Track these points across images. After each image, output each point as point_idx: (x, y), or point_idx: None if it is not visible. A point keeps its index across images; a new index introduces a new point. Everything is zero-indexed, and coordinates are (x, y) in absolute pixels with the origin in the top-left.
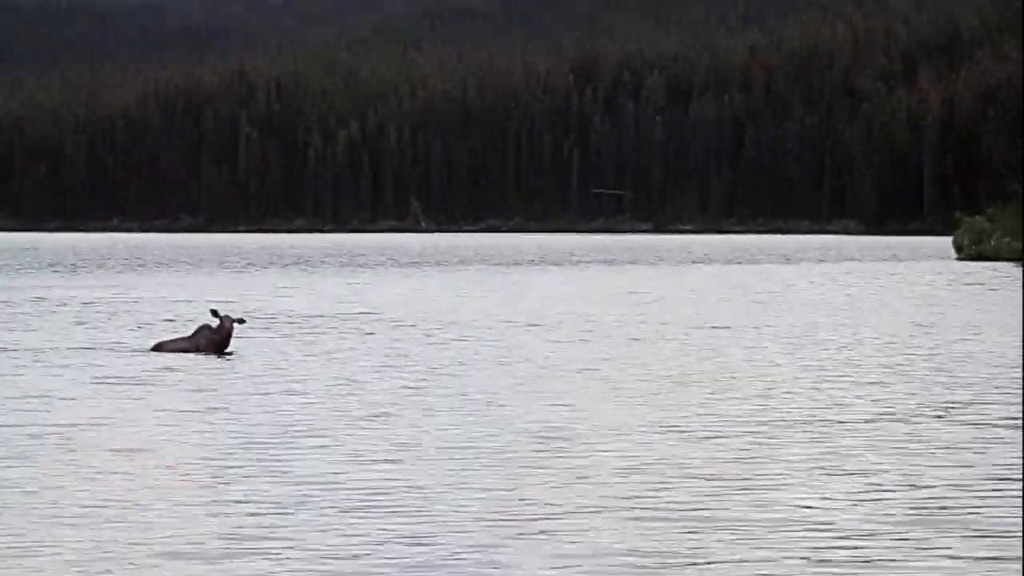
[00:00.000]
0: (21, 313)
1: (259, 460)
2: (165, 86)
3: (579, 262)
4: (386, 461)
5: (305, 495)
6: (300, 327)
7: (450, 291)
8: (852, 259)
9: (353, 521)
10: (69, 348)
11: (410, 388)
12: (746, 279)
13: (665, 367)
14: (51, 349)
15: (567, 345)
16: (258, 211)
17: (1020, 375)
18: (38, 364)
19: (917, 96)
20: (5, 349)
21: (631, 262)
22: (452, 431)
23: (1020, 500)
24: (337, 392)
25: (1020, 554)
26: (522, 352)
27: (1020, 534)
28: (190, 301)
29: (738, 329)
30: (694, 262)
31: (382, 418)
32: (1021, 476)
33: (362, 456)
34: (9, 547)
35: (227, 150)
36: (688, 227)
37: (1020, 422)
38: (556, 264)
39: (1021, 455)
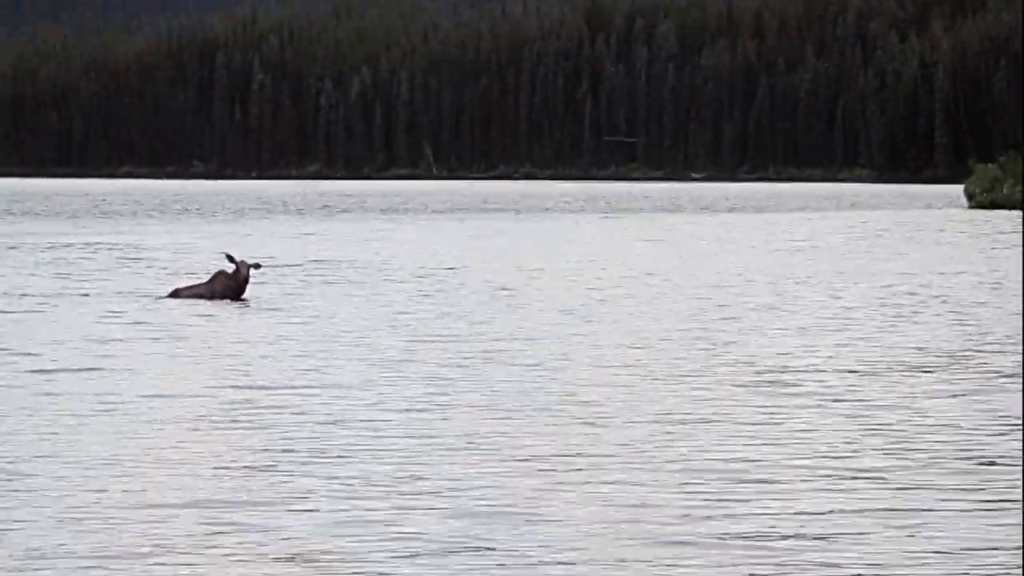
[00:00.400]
0: (33, 259)
1: (273, 408)
2: (176, 32)
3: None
4: (405, 410)
5: (319, 446)
6: (318, 273)
7: (475, 240)
8: (865, 207)
9: (366, 473)
10: (84, 295)
11: (431, 336)
12: (768, 228)
13: (684, 318)
14: (66, 296)
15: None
16: (270, 158)
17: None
18: (52, 311)
19: (929, 43)
20: (18, 295)
21: (661, 210)
22: (470, 381)
23: (1020, 482)
24: (353, 340)
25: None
26: (545, 302)
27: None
28: (199, 249)
29: (761, 282)
30: (715, 210)
31: (399, 367)
32: (1021, 469)
33: (378, 405)
34: (20, 496)
35: (239, 97)
36: (700, 175)
37: (1020, 374)
38: (581, 212)
39: (1021, 440)
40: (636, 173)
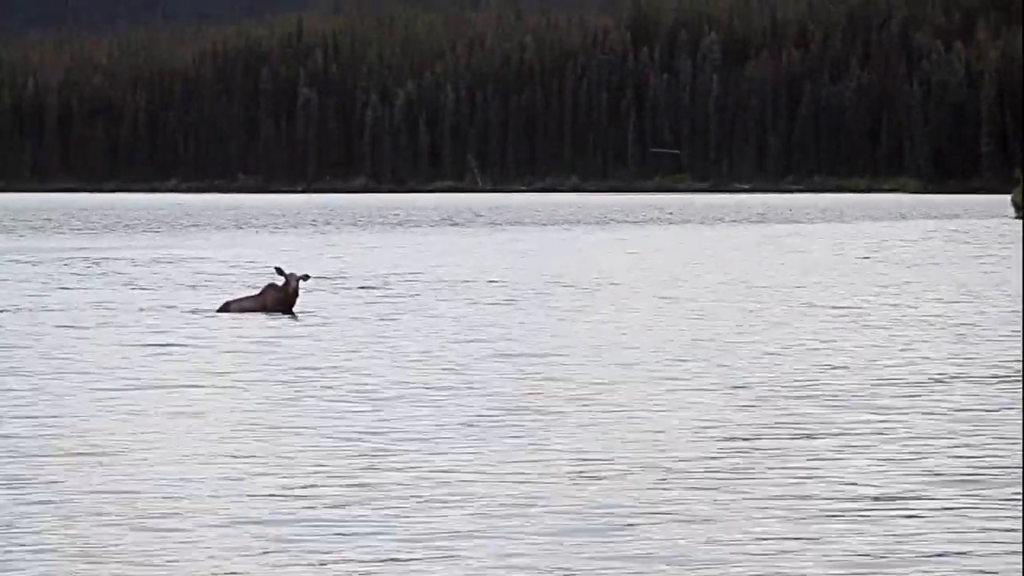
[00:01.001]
0: (84, 275)
1: (327, 423)
2: (223, 45)
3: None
4: (457, 425)
5: (371, 464)
6: (369, 287)
7: (535, 251)
8: (911, 217)
9: (417, 492)
10: (139, 309)
11: (484, 351)
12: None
13: (729, 327)
14: (117, 311)
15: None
16: (316, 171)
17: None
18: (104, 327)
19: (975, 52)
20: (70, 310)
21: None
22: (528, 396)
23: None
24: (406, 353)
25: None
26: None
27: (1021, 528)
28: (249, 262)
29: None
30: (767, 221)
31: (450, 381)
32: (1021, 468)
33: (428, 421)
34: (68, 510)
35: (284, 109)
36: (745, 186)
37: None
38: (637, 223)
39: (1021, 443)
40: (681, 184)
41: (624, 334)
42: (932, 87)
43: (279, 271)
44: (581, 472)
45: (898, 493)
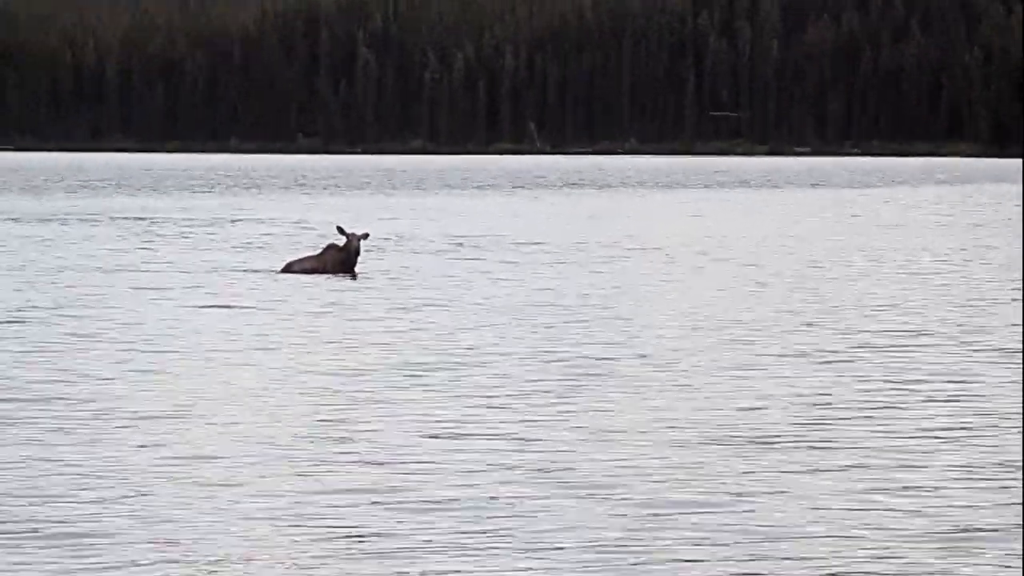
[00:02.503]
0: (145, 234)
1: (384, 390)
2: (282, 6)
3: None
4: (531, 391)
5: (445, 433)
6: (429, 248)
7: (602, 214)
8: (973, 182)
9: (495, 460)
10: (196, 270)
11: (558, 316)
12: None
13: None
14: (177, 272)
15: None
16: (374, 133)
17: None
18: (165, 289)
19: None
20: (132, 271)
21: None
22: (595, 361)
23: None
24: (466, 313)
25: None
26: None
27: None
28: (306, 223)
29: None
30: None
31: (521, 345)
32: (1021, 467)
33: (500, 389)
34: (130, 471)
35: (343, 71)
36: (804, 150)
37: None
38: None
39: (1021, 435)
40: (740, 148)
41: (705, 299)
42: (992, 51)
43: (340, 230)
44: (669, 440)
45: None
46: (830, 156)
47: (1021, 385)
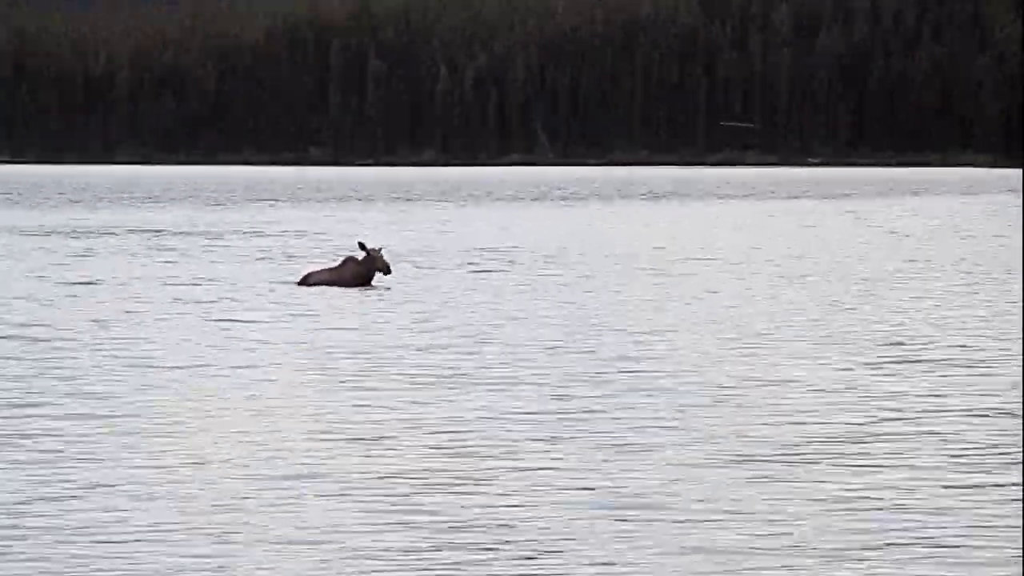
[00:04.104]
0: (160, 248)
1: (400, 403)
2: (293, 18)
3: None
4: (534, 412)
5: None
6: (451, 261)
7: (608, 225)
8: (982, 192)
9: (508, 482)
10: (214, 282)
11: (585, 327)
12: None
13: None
14: (194, 283)
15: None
16: (385, 144)
17: None
18: (180, 301)
19: None
20: (152, 283)
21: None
22: (617, 374)
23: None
24: (490, 327)
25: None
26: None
27: (1021, 528)
28: (328, 234)
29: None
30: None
31: (532, 360)
32: (1021, 466)
33: (518, 401)
34: (142, 486)
35: (354, 82)
36: (815, 160)
37: None
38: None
39: (1021, 437)
40: (750, 158)
41: (734, 307)
42: (1004, 60)
43: (362, 246)
44: (720, 457)
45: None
46: (841, 167)
47: (1021, 384)
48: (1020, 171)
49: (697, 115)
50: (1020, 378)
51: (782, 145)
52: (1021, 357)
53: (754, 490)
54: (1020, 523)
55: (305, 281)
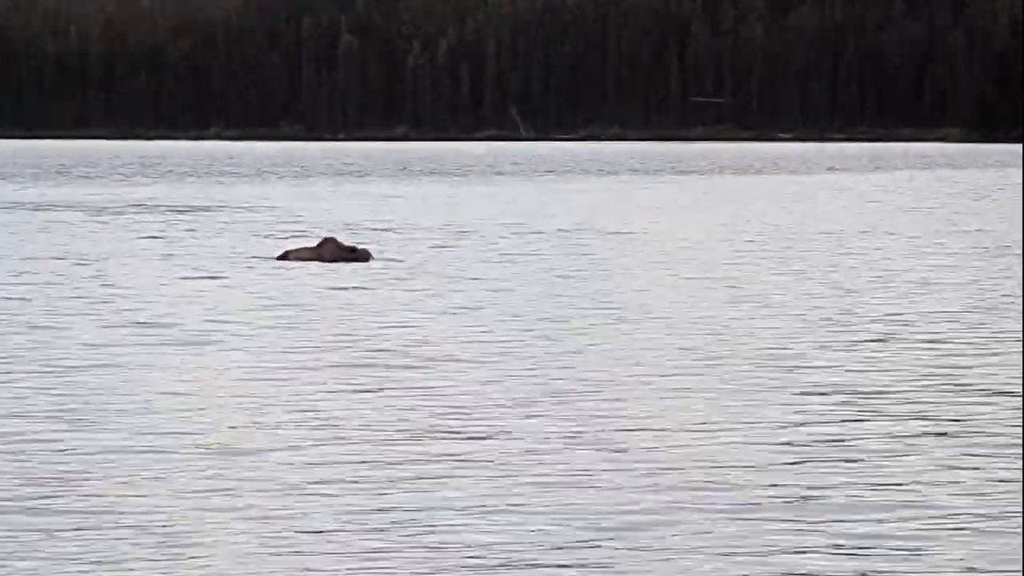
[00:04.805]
0: (137, 223)
1: (393, 378)
2: None
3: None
4: (508, 392)
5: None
6: (435, 237)
7: (598, 200)
8: (954, 167)
9: (498, 460)
10: (192, 256)
11: (554, 310)
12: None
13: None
14: (170, 257)
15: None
16: (357, 120)
17: None
18: (160, 274)
19: (1020, 1)
20: (128, 257)
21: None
22: (606, 352)
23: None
24: (481, 308)
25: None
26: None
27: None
28: (303, 212)
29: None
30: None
31: (511, 337)
32: (1021, 465)
33: (501, 385)
34: (121, 460)
35: (326, 58)
36: (789, 135)
37: None
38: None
39: (1021, 431)
40: (724, 134)
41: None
42: (976, 36)
43: (352, 250)
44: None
45: None
46: (814, 142)
47: (1021, 385)
48: (994, 146)
49: (670, 91)
50: (1020, 368)
51: (757, 121)
52: (1021, 348)
53: (741, 479)
54: (1020, 521)
55: (285, 257)
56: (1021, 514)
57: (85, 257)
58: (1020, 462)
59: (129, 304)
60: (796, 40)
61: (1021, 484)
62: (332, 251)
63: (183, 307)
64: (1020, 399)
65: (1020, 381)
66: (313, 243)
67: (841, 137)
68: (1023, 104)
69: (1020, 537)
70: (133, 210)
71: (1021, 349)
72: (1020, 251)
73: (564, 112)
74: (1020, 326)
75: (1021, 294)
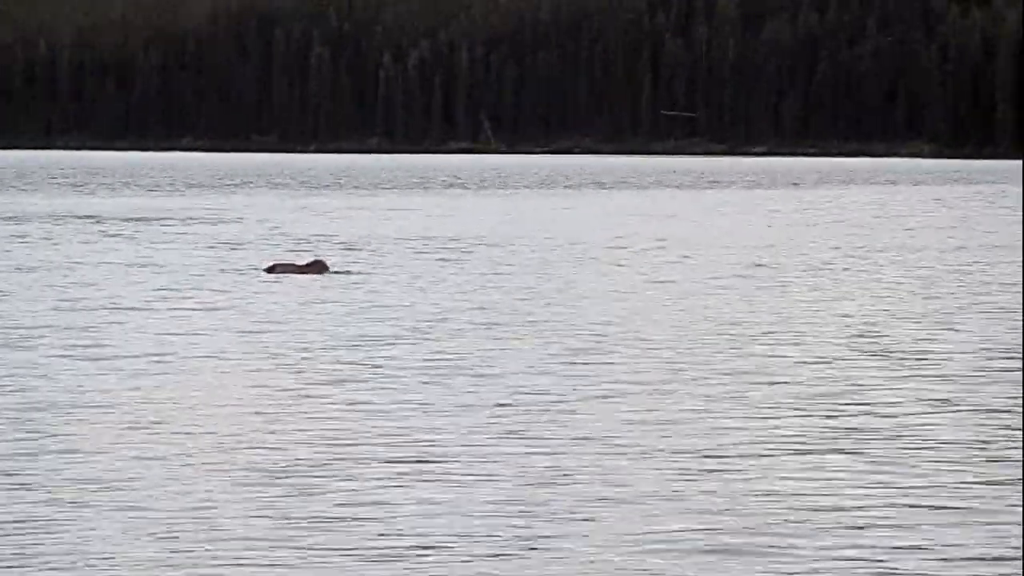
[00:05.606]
0: (120, 235)
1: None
2: (236, 4)
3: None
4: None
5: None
6: (414, 250)
7: (578, 214)
8: (924, 183)
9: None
10: (180, 270)
11: (533, 320)
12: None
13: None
14: (154, 270)
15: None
16: (329, 131)
17: None
18: (144, 287)
19: (991, 18)
20: (114, 267)
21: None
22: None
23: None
24: (460, 320)
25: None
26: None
27: (1021, 528)
28: (283, 224)
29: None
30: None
31: (488, 348)
32: (1021, 465)
33: (475, 396)
34: (116, 475)
35: (298, 69)
36: (761, 149)
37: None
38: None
39: (1021, 434)
40: (696, 147)
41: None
42: (949, 52)
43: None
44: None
45: None
46: (787, 156)
47: (1021, 386)
48: (965, 162)
49: (643, 104)
50: (1020, 376)
51: (729, 134)
52: (1021, 357)
53: (715, 483)
54: (1020, 521)
55: (272, 270)
56: (1021, 514)
57: (66, 267)
58: (1020, 460)
59: (110, 318)
60: (769, 54)
61: (1021, 484)
62: (319, 271)
63: (169, 321)
64: (1020, 398)
65: (1020, 380)
66: (302, 262)
67: (814, 152)
68: (1012, 120)
69: (1020, 537)
70: (79, 221)
71: (1021, 353)
72: (1020, 253)
73: (536, 125)
74: (1020, 325)
75: (1021, 294)
